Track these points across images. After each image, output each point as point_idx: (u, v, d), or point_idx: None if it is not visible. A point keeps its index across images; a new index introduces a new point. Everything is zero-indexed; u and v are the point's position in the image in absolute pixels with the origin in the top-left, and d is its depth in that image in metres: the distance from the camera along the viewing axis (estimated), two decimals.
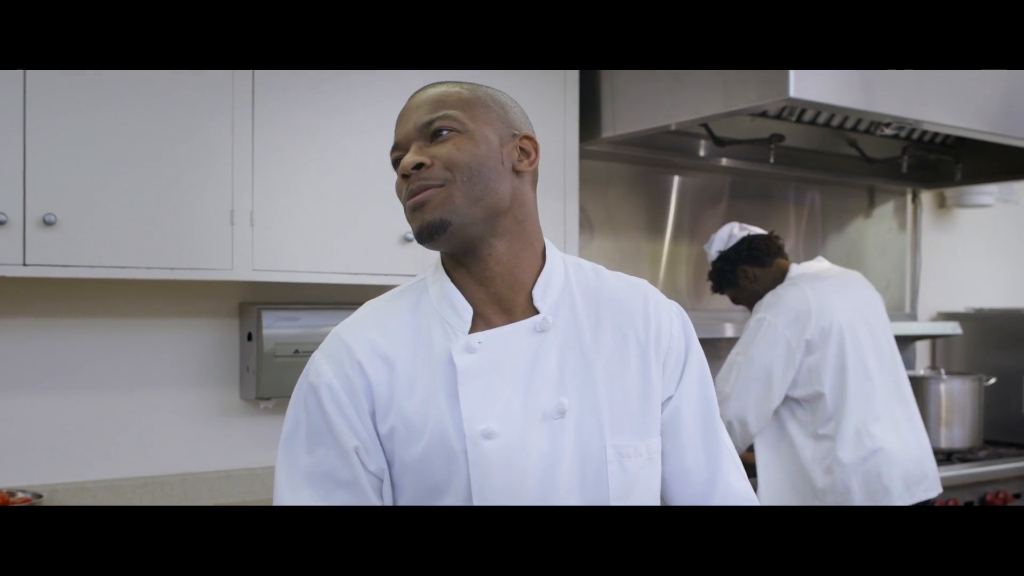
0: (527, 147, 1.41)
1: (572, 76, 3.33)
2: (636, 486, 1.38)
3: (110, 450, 2.94)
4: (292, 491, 1.35)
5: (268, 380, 3.00)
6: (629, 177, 3.93)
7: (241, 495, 3.08)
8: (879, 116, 3.12)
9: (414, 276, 1.50)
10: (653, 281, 3.93)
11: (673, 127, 3.28)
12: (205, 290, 3.06)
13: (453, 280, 1.39)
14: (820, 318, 3.05)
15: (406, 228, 2.60)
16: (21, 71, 2.44)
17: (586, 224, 3.77)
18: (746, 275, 3.29)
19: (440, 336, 1.36)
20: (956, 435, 3.93)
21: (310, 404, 1.36)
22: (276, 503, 1.36)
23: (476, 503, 1.31)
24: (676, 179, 4.05)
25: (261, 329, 2.99)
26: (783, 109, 3.51)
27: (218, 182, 2.71)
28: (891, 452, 3.02)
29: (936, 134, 4.11)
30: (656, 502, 1.45)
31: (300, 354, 3.02)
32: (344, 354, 1.36)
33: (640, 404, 1.40)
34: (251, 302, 3.09)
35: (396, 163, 1.39)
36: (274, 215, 2.78)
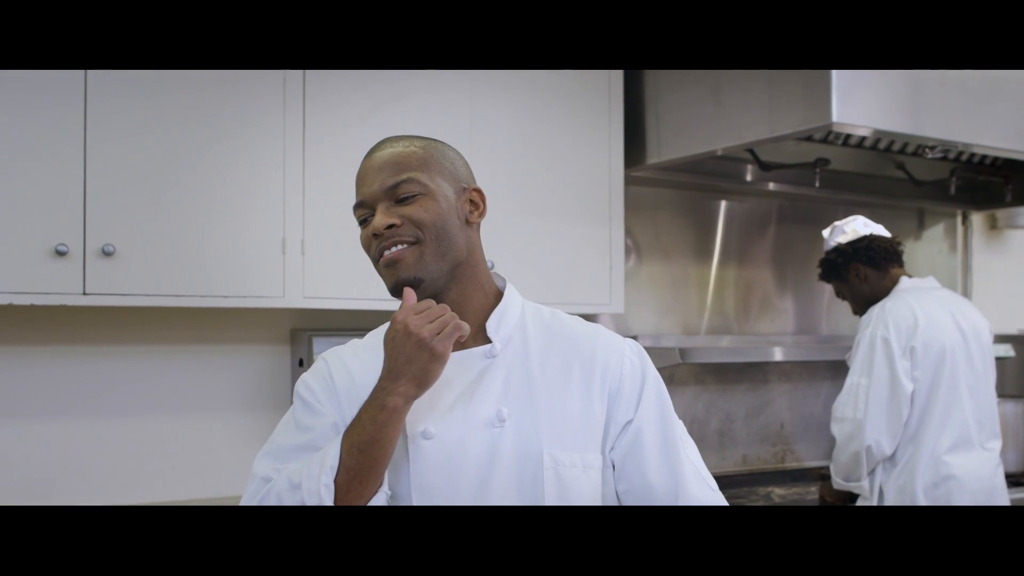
0: (475, 199, 1.57)
1: (617, 103, 3.36)
2: (570, 494, 1.47)
3: (165, 473, 3.00)
4: (260, 464, 1.54)
5: None
6: (676, 202, 3.94)
7: None
8: (924, 140, 3.11)
9: None
10: (701, 305, 4.00)
11: (719, 152, 3.29)
12: (257, 317, 3.12)
13: None
14: (926, 330, 3.05)
15: None
16: (82, 109, 2.52)
17: (634, 249, 3.79)
18: (858, 274, 3.26)
19: None
20: (1009, 459, 3.87)
21: (295, 403, 1.59)
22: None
23: (416, 501, 1.44)
24: (723, 204, 4.06)
25: (312, 355, 3.04)
26: (828, 133, 3.51)
27: (270, 211, 2.77)
28: (963, 480, 2.99)
29: (985, 156, 4.07)
30: None
31: None
32: (321, 366, 1.60)
33: (579, 421, 1.51)
34: (302, 329, 3.15)
35: (362, 221, 1.54)
36: (324, 243, 2.83)
